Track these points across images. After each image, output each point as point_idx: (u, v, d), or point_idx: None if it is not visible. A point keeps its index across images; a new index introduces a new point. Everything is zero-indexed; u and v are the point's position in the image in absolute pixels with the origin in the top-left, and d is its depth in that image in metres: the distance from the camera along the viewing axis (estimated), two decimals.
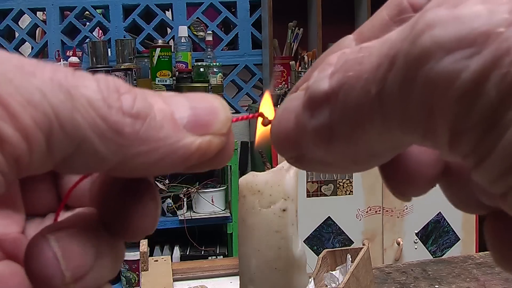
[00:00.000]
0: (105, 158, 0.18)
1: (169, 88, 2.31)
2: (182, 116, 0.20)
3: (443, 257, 1.33)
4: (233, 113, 2.57)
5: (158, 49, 2.31)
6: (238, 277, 0.36)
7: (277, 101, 2.35)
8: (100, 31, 2.75)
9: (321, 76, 0.18)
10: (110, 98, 0.18)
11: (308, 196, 2.11)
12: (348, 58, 0.18)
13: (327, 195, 2.12)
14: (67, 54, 2.54)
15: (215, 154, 0.21)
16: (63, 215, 0.23)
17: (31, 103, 0.16)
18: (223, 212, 2.28)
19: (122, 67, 2.33)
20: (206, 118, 0.20)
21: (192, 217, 2.24)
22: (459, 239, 2.25)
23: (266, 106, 0.29)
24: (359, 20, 2.46)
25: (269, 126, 0.22)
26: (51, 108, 0.17)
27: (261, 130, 0.29)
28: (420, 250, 2.22)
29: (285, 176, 0.50)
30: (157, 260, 1.11)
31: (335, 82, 0.18)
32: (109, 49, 2.51)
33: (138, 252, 1.57)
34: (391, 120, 0.17)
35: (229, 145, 0.21)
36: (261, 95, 2.62)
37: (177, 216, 2.27)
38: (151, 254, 2.24)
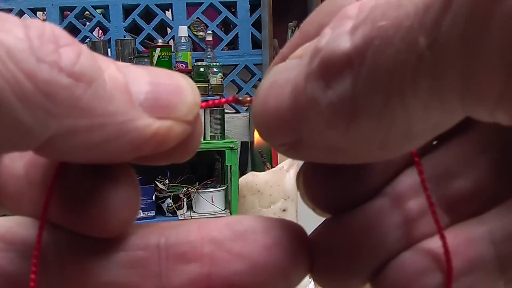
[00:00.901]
0: (32, 132, 0.14)
1: None
2: (139, 90, 0.16)
3: None
4: (233, 113, 2.59)
5: (158, 49, 2.31)
6: None
7: None
8: (100, 31, 2.75)
9: (338, 33, 0.14)
10: (42, 49, 0.13)
11: None
12: (377, 3, 0.13)
13: None
14: None
15: (176, 146, 0.17)
16: None
17: None
18: (223, 212, 2.29)
19: None
20: (169, 98, 0.16)
21: (192, 217, 2.24)
22: None
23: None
24: None
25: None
26: None
27: None
28: None
29: (285, 176, 0.50)
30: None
31: (359, 38, 0.13)
32: (109, 49, 2.51)
33: None
34: (447, 83, 0.12)
35: (194, 136, 0.17)
36: None
37: (177, 216, 2.27)
38: None
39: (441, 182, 0.18)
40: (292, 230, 0.18)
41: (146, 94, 0.16)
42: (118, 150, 0.15)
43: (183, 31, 2.48)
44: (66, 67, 0.14)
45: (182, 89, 0.16)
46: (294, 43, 0.18)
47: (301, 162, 0.19)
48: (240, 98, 0.20)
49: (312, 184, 0.19)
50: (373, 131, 0.14)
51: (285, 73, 0.16)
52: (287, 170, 0.51)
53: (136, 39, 2.56)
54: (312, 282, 0.83)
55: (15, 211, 0.19)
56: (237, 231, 0.18)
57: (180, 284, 0.17)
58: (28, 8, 2.56)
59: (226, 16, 2.65)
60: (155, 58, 2.31)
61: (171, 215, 2.29)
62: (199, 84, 2.32)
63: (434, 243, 0.18)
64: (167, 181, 2.28)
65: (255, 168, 2.35)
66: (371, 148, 0.14)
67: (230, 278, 0.17)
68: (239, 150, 2.43)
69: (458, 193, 0.18)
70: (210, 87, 2.34)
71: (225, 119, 2.31)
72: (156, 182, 2.27)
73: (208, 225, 0.18)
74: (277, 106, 0.16)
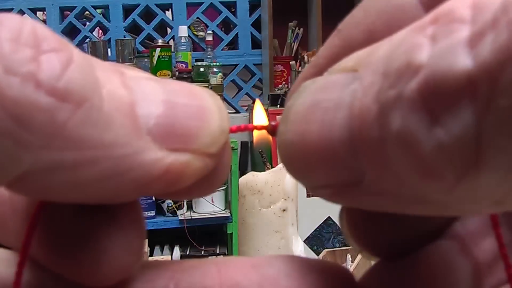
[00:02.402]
0: None
1: None
2: (148, 113, 0.12)
3: None
4: (233, 113, 2.58)
5: (158, 49, 2.31)
6: None
7: (277, 102, 2.35)
8: (100, 31, 2.75)
9: (449, 45, 0.09)
10: (14, 55, 0.10)
11: (308, 196, 2.11)
12: None
13: None
14: None
15: (198, 181, 0.13)
16: None
17: None
18: (223, 212, 2.28)
19: None
20: (188, 124, 0.12)
21: (192, 217, 2.24)
22: None
23: (260, 115, 0.24)
24: None
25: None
26: None
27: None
28: None
29: (285, 176, 0.50)
30: (157, 260, 1.12)
31: (487, 52, 0.09)
32: (109, 49, 2.51)
33: None
34: None
35: (221, 169, 0.14)
36: (261, 95, 2.63)
37: (177, 216, 2.27)
38: (151, 254, 2.25)
39: None
40: (336, 275, 0.14)
41: (157, 118, 0.12)
42: (117, 191, 0.12)
43: (183, 31, 2.48)
44: (47, 81, 0.10)
45: (207, 112, 0.13)
46: (333, 51, 0.14)
47: None
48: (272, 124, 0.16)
49: (360, 223, 0.15)
50: (496, 184, 0.10)
51: (332, 92, 0.12)
52: None
53: (136, 39, 2.56)
54: None
55: (0, 238, 0.15)
56: (267, 275, 0.14)
57: None
58: (28, 8, 2.56)
59: (226, 16, 2.65)
60: (155, 58, 2.31)
61: (171, 215, 2.29)
62: (199, 84, 2.32)
63: None
64: None
65: (255, 168, 2.35)
66: (481, 205, 0.11)
67: None
68: (239, 150, 2.43)
69: None
70: (210, 87, 2.34)
71: None
72: None
73: (229, 266, 0.14)
74: (324, 138, 0.12)
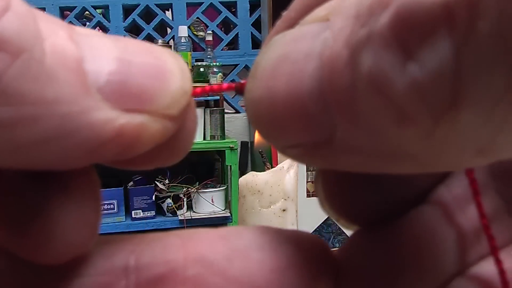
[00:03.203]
0: None
1: None
2: (98, 69, 0.11)
3: None
4: (233, 113, 2.59)
5: None
6: None
7: None
8: (100, 31, 2.75)
9: None
10: None
11: (308, 196, 2.11)
12: None
13: None
14: None
15: (157, 147, 0.12)
16: None
17: None
18: (223, 212, 2.29)
19: None
20: (143, 83, 0.11)
21: (192, 217, 2.24)
22: None
23: None
24: None
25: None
26: None
27: None
28: None
29: (285, 176, 0.50)
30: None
31: None
32: None
33: None
34: None
35: (184, 134, 0.13)
36: None
37: (177, 216, 2.27)
38: None
39: (510, 178, 0.13)
40: (310, 246, 0.13)
41: (109, 76, 0.11)
42: (64, 154, 0.11)
43: (183, 31, 2.48)
44: None
45: (166, 72, 0.12)
46: (305, 3, 0.12)
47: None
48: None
49: (336, 189, 0.14)
50: (478, 126, 0.09)
51: (302, 43, 0.11)
52: (287, 170, 0.51)
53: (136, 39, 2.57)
54: None
55: None
56: (236, 247, 0.13)
57: None
58: None
59: (226, 16, 2.65)
60: None
61: (171, 215, 2.29)
62: (199, 84, 2.32)
63: (494, 266, 0.13)
64: (167, 181, 2.28)
65: (255, 168, 2.36)
66: (463, 155, 0.09)
67: None
68: (239, 150, 2.43)
69: None
70: None
71: (225, 119, 2.31)
72: (156, 182, 2.27)
73: (194, 238, 0.13)
74: (293, 92, 0.11)
